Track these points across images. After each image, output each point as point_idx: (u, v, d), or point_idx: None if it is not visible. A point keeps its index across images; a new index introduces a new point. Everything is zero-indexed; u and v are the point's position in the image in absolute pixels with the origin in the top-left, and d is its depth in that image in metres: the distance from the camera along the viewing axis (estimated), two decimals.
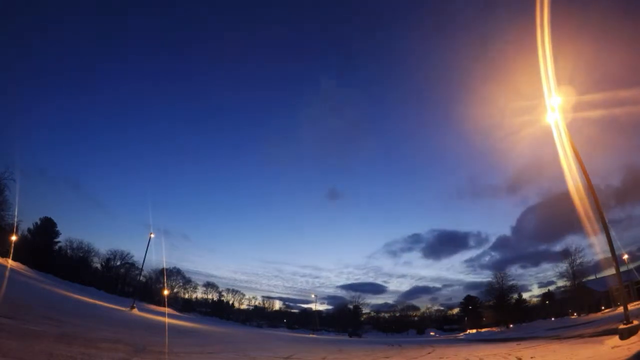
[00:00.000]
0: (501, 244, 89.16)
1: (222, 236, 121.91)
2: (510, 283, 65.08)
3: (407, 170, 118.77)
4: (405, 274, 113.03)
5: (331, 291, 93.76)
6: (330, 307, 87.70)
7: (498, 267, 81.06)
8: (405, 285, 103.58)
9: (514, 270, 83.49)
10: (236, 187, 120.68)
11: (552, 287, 63.60)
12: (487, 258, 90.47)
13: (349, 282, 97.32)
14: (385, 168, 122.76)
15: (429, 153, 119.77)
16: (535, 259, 75.85)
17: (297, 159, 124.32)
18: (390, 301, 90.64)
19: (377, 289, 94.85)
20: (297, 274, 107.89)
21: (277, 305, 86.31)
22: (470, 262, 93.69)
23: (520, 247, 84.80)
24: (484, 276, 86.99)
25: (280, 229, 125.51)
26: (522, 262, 77.94)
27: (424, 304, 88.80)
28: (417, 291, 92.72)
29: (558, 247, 65.46)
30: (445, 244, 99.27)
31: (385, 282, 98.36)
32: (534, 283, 72.14)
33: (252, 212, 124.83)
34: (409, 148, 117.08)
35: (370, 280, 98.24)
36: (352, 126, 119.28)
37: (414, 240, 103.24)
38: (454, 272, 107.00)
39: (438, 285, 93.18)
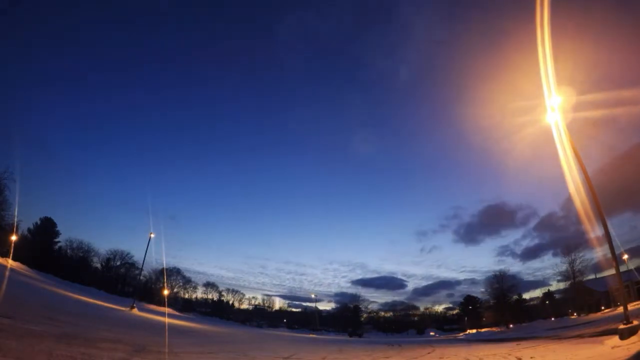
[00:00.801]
0: (546, 223, 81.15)
1: (201, 230, 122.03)
2: (511, 283, 65.15)
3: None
4: (424, 267, 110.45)
5: (337, 289, 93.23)
6: (338, 305, 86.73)
7: (531, 255, 76.44)
8: (426, 279, 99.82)
9: (546, 259, 74.51)
10: (231, 183, 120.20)
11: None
12: (525, 242, 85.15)
13: (365, 276, 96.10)
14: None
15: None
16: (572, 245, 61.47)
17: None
18: (404, 297, 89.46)
19: (395, 284, 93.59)
20: (282, 270, 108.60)
21: (277, 305, 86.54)
22: (503, 249, 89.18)
23: (562, 229, 73.54)
24: (513, 268, 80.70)
25: (260, 223, 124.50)
26: (558, 248, 66.45)
27: (440, 301, 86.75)
28: (436, 286, 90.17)
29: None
30: (490, 218, 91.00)
31: (405, 276, 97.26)
32: (557, 278, 63.16)
33: (236, 207, 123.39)
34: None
35: (389, 274, 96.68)
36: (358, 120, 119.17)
37: (453, 215, 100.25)
38: (482, 263, 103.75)
39: (460, 278, 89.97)
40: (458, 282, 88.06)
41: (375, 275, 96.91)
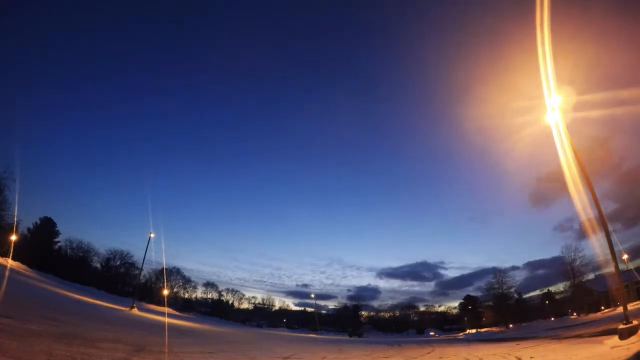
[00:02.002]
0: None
1: (180, 226, 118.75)
2: (510, 283, 65.37)
3: None
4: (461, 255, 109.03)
5: (356, 284, 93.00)
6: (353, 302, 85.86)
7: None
8: (468, 266, 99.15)
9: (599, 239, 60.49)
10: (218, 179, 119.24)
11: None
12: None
13: (398, 265, 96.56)
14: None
15: None
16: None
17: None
18: (429, 291, 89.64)
19: (429, 274, 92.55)
20: (258, 264, 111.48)
21: (277, 304, 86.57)
22: (566, 221, 77.57)
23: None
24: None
25: (231, 215, 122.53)
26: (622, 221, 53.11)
27: (471, 293, 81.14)
28: (472, 277, 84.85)
29: None
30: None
31: (442, 262, 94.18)
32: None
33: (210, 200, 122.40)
34: None
35: (422, 262, 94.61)
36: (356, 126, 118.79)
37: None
38: (537, 240, 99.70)
39: (502, 266, 76.80)
40: (497, 269, 77.44)
41: (404, 263, 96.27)
